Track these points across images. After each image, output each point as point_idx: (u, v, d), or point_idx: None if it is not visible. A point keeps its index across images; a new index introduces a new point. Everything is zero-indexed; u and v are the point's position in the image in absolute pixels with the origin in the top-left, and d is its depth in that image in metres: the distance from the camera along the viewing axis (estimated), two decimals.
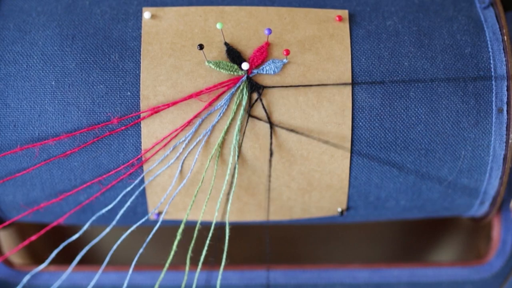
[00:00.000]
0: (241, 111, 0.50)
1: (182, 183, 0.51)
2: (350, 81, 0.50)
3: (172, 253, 0.51)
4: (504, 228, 0.59)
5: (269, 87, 0.49)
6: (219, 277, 0.52)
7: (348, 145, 0.50)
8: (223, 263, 0.51)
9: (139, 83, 0.50)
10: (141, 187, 0.52)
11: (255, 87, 0.49)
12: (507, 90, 0.51)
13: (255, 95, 0.50)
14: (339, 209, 0.54)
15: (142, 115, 0.50)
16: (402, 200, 0.54)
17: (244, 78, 0.49)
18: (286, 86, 0.49)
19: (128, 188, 0.51)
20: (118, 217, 0.52)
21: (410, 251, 0.80)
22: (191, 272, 0.54)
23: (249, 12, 0.51)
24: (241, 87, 0.50)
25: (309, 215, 0.55)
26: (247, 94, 0.49)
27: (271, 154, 0.50)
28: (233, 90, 0.49)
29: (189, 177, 0.51)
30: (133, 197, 0.52)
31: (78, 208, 0.53)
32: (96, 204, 0.53)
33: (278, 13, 0.51)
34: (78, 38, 0.51)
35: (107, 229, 0.52)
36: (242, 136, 0.50)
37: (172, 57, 0.50)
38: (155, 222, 0.54)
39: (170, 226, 0.55)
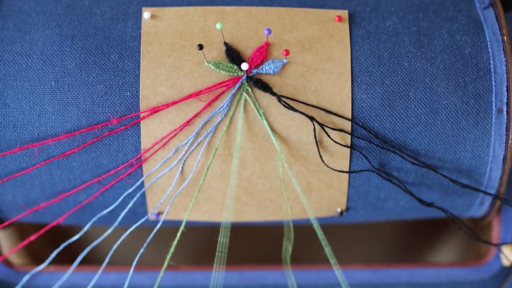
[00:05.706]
0: (241, 112, 0.50)
1: (183, 184, 0.51)
2: (350, 80, 0.50)
3: (170, 253, 0.51)
4: (504, 228, 0.59)
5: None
6: (218, 276, 0.52)
7: (348, 144, 0.50)
8: (224, 264, 0.51)
9: (139, 83, 0.49)
10: (142, 190, 0.51)
11: (261, 85, 0.49)
12: (506, 90, 0.50)
13: (258, 93, 0.49)
14: (339, 209, 0.54)
15: (141, 115, 0.49)
16: (401, 200, 0.54)
17: (244, 78, 0.49)
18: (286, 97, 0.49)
19: (130, 190, 0.51)
20: (120, 218, 0.52)
21: (410, 251, 0.80)
22: (192, 272, 0.54)
23: (248, 12, 0.51)
24: (241, 87, 0.49)
25: (308, 215, 0.55)
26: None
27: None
28: (233, 91, 0.49)
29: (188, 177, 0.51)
30: (135, 198, 0.52)
31: (78, 208, 0.53)
32: (96, 204, 0.53)
33: (277, 13, 0.51)
34: (78, 38, 0.51)
35: (109, 231, 0.52)
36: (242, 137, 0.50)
37: (172, 57, 0.50)
38: (155, 222, 0.54)
39: (170, 226, 0.55)
